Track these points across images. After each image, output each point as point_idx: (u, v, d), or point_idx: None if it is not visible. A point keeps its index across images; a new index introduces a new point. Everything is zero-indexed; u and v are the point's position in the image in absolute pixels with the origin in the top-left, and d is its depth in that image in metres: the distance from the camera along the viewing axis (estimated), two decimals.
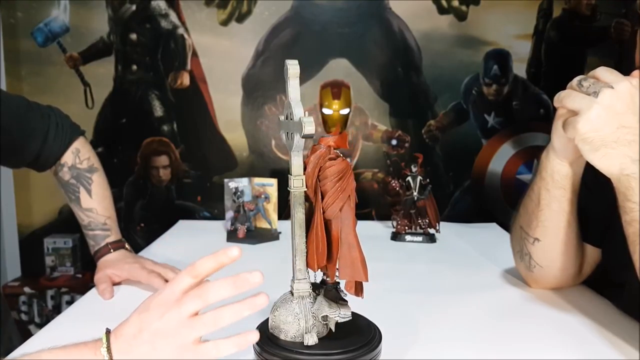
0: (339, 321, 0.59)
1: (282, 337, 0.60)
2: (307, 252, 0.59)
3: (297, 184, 0.58)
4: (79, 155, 0.97)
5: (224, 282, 0.52)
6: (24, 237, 2.12)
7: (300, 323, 0.59)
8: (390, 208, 1.37)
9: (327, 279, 0.62)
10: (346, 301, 0.61)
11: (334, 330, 0.60)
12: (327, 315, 0.59)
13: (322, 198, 0.58)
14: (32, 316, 2.09)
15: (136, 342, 0.52)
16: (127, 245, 0.98)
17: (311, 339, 0.59)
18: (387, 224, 1.37)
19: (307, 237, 0.59)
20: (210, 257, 0.53)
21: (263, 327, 0.63)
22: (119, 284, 0.91)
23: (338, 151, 0.58)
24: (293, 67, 0.56)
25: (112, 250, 0.94)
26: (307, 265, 0.60)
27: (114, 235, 0.96)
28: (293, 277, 0.61)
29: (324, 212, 0.57)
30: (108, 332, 0.54)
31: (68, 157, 0.96)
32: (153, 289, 0.84)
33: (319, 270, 0.61)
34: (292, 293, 0.61)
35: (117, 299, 0.88)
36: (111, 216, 0.98)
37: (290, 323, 0.60)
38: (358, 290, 0.59)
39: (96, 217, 0.96)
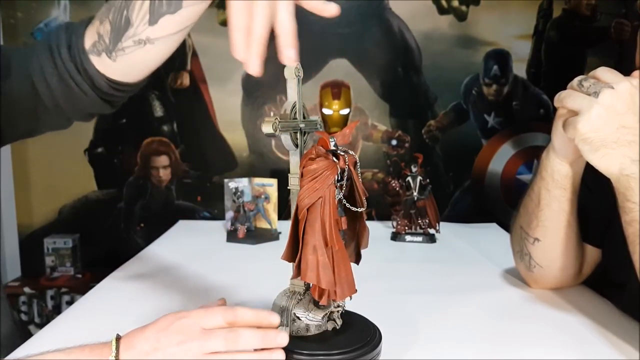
0: (307, 323, 0.60)
1: None
2: None
3: (294, 182, 0.58)
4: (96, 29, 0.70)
5: (254, 335, 0.53)
6: (24, 237, 2.12)
7: (282, 317, 0.60)
8: (390, 208, 1.37)
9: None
10: (324, 306, 0.60)
11: (312, 332, 0.60)
12: (294, 313, 0.60)
13: None
14: (32, 316, 2.09)
15: (148, 358, 0.51)
16: None
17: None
18: (387, 224, 1.37)
19: None
20: (253, 312, 0.55)
21: None
22: None
23: (342, 151, 0.58)
24: (289, 68, 0.56)
25: None
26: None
27: None
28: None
29: (297, 210, 0.57)
30: (118, 338, 0.53)
31: (90, 35, 0.70)
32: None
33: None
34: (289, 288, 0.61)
35: (117, 299, 0.88)
36: None
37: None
38: (320, 294, 0.57)
39: None
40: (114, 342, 0.52)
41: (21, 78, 0.72)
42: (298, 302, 0.60)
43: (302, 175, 0.57)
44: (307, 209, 0.56)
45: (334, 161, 0.57)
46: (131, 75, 0.74)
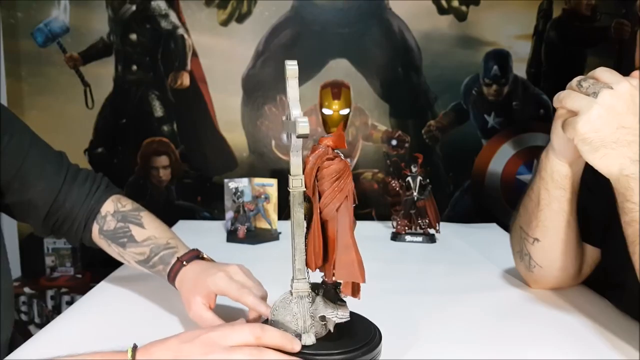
0: (336, 322, 0.60)
1: None
2: (306, 252, 0.59)
3: (296, 183, 0.58)
4: (121, 201, 0.87)
5: (279, 356, 0.55)
6: (24, 237, 2.12)
7: (298, 323, 0.59)
8: (390, 208, 1.37)
9: (326, 280, 0.62)
10: (345, 302, 0.61)
11: (332, 331, 0.60)
12: (324, 316, 0.59)
13: (320, 198, 0.57)
14: (32, 316, 2.09)
15: None
16: (203, 254, 0.82)
17: (309, 339, 0.59)
18: (387, 224, 1.37)
19: (306, 237, 0.59)
20: (280, 335, 0.56)
21: None
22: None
23: (339, 152, 0.58)
24: (291, 68, 0.56)
25: (185, 263, 0.78)
26: (307, 265, 0.60)
27: (183, 249, 0.82)
28: (293, 276, 0.61)
29: (321, 212, 0.57)
30: (135, 347, 0.52)
31: (109, 206, 0.86)
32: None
33: (317, 270, 0.61)
34: (291, 293, 0.61)
35: (117, 300, 0.88)
36: (173, 237, 0.85)
37: (289, 323, 0.60)
38: (355, 291, 0.59)
39: (156, 241, 0.82)
40: (129, 351, 0.51)
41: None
42: (312, 304, 0.60)
43: (319, 176, 0.57)
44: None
45: (344, 159, 0.58)
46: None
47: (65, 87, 2.00)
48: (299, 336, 0.59)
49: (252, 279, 0.75)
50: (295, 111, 0.55)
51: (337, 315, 0.60)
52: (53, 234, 0.89)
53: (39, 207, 0.83)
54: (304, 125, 0.53)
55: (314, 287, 0.62)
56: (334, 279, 0.59)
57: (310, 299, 0.61)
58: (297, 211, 0.58)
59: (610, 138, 0.65)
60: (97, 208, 0.86)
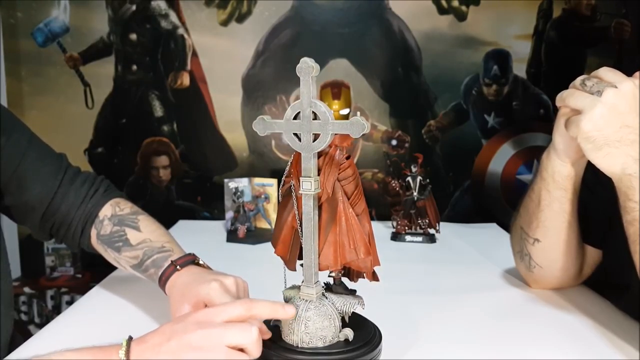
0: (362, 309, 0.63)
1: (320, 344, 0.59)
2: (320, 251, 0.59)
3: (313, 186, 0.57)
4: (120, 205, 0.85)
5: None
6: (23, 237, 2.12)
7: (336, 323, 0.60)
8: (390, 208, 1.37)
9: (334, 276, 0.63)
10: (355, 290, 0.64)
11: (347, 321, 0.62)
12: (353, 312, 0.62)
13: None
14: (32, 316, 2.09)
15: (161, 349, 0.50)
16: (199, 260, 0.78)
17: (351, 334, 0.60)
18: (387, 224, 1.37)
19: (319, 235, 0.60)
20: (270, 305, 0.56)
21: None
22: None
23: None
24: (304, 65, 0.55)
25: (178, 268, 0.74)
26: (332, 262, 0.59)
27: (179, 253, 0.78)
28: (306, 281, 0.60)
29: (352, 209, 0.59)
30: (130, 339, 0.53)
31: (107, 210, 0.84)
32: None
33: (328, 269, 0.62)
34: (304, 299, 0.61)
35: (117, 300, 0.88)
36: (170, 240, 0.81)
37: (327, 327, 0.59)
38: (376, 276, 0.62)
39: (151, 245, 0.79)
40: (124, 342, 0.52)
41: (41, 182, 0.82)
42: (334, 304, 0.61)
43: (341, 178, 0.58)
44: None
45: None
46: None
47: (65, 87, 2.00)
48: (337, 337, 0.60)
49: (247, 295, 0.73)
50: (329, 111, 0.56)
51: (362, 303, 0.62)
52: (53, 238, 0.87)
53: (35, 210, 0.82)
54: (365, 123, 0.53)
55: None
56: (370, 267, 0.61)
57: (321, 298, 0.61)
58: (314, 214, 0.58)
59: (613, 137, 0.65)
60: (95, 212, 0.84)
